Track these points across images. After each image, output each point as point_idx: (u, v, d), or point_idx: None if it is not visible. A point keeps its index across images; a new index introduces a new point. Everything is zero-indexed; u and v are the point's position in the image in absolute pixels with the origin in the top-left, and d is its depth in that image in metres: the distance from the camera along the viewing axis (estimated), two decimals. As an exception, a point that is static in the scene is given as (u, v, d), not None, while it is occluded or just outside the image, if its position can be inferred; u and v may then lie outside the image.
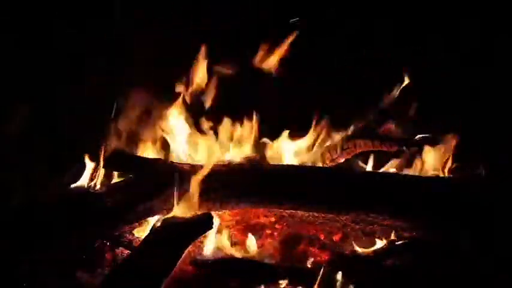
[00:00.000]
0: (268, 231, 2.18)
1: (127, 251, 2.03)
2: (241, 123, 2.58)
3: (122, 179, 2.19)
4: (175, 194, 1.96)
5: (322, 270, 1.86)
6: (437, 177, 2.47)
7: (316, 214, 2.30)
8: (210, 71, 2.56)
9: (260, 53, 2.63)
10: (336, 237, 2.19)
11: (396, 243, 2.09)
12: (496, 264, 1.87)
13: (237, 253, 2.04)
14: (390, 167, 2.56)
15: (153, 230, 1.87)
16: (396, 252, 2.03)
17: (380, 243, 2.12)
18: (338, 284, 1.84)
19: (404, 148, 2.52)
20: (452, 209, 2.08)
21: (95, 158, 2.35)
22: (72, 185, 2.35)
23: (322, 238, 2.15)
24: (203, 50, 2.54)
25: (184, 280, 1.89)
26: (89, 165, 2.29)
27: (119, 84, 2.74)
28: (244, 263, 1.97)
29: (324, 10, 3.09)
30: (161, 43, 2.95)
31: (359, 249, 2.09)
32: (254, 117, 2.56)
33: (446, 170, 2.42)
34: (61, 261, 1.92)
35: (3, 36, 2.94)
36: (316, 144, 2.62)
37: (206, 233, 1.96)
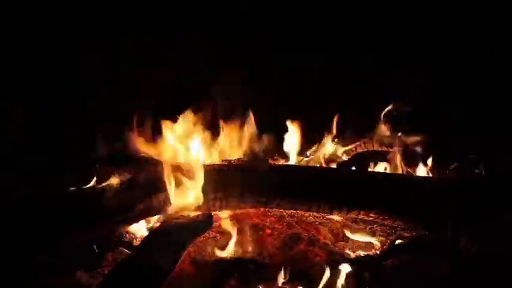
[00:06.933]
0: (268, 231, 2.18)
1: (127, 251, 2.03)
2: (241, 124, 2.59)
3: (121, 179, 2.19)
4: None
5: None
6: (436, 177, 2.47)
7: (316, 214, 2.30)
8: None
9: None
10: (335, 237, 2.19)
11: (396, 243, 2.09)
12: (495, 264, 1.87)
13: (237, 253, 2.04)
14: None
15: (153, 230, 1.87)
16: (396, 252, 2.03)
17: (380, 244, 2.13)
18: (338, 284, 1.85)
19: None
20: (451, 209, 2.07)
21: (94, 158, 2.35)
22: (73, 185, 2.36)
23: (322, 238, 2.15)
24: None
25: (184, 280, 1.89)
26: (89, 165, 2.29)
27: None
28: (244, 263, 1.97)
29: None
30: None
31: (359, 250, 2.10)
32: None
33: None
34: (61, 261, 1.92)
35: (3, 36, 2.94)
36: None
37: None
